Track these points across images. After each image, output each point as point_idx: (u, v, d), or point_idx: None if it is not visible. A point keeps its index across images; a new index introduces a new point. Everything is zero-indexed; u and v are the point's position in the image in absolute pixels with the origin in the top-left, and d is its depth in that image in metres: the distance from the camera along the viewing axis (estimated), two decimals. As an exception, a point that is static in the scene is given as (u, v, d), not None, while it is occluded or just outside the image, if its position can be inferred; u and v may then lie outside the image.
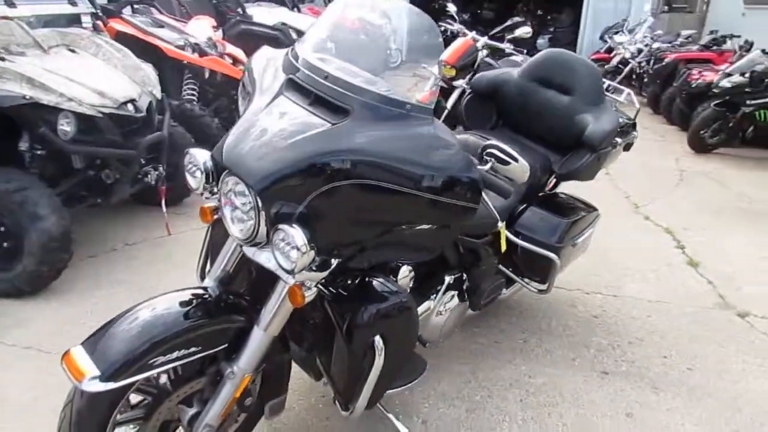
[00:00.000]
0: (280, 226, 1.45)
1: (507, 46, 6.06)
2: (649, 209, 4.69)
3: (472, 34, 6.05)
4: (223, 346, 1.66)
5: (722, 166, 6.11)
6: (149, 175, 3.53)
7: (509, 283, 2.70)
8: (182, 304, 1.67)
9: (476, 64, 5.52)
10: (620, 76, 9.12)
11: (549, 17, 15.55)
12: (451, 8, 6.58)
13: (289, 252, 1.43)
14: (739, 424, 2.33)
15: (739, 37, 8.01)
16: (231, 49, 5.32)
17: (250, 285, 1.89)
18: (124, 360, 1.48)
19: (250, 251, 1.70)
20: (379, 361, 1.73)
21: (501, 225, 2.21)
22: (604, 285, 3.40)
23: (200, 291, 1.76)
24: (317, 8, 9.24)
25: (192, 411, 1.73)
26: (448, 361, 2.62)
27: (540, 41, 14.78)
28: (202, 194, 1.84)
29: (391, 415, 2.16)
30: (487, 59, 5.78)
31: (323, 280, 1.62)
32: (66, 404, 1.60)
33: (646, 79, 9.04)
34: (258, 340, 1.67)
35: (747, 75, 6.11)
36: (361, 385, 1.77)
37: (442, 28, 6.72)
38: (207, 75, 4.88)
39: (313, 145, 1.50)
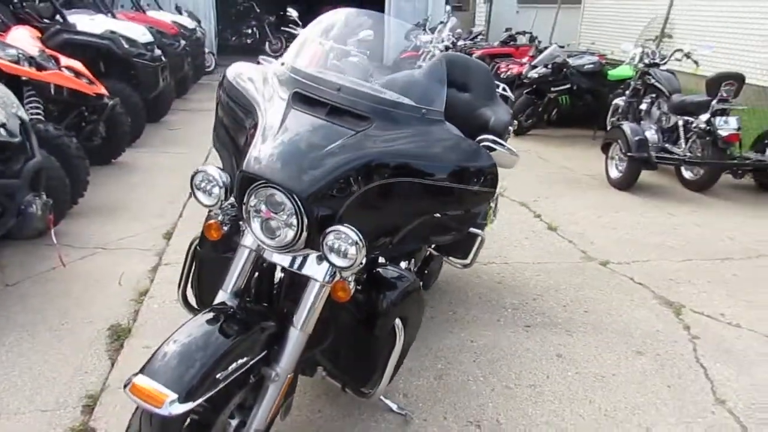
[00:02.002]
0: (334, 227, 1.58)
1: (351, 49, 6.38)
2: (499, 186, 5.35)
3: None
4: (264, 352, 1.73)
5: (539, 145, 7.12)
6: (33, 205, 3.21)
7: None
8: (214, 321, 1.69)
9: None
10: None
11: (353, 18, 16.22)
12: (293, 13, 6.71)
13: (348, 249, 1.57)
14: (637, 345, 2.93)
15: (530, 33, 9.30)
16: (68, 61, 4.90)
17: (258, 291, 1.95)
18: (195, 379, 1.49)
19: (277, 258, 1.78)
20: (399, 342, 1.92)
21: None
22: (494, 255, 3.89)
23: (222, 307, 1.78)
24: (131, 13, 8.70)
25: (235, 422, 1.77)
26: (400, 341, 2.86)
27: (350, 40, 15.41)
28: (210, 211, 1.87)
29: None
30: (335, 61, 6.05)
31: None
32: (130, 437, 1.55)
33: (456, 74, 10.02)
34: (296, 340, 1.76)
35: (549, 66, 7.19)
36: (383, 368, 1.95)
37: (286, 35, 6.85)
38: (53, 91, 4.46)
39: (347, 152, 1.64)
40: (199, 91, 10.08)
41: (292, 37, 13.36)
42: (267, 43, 16.12)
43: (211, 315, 1.72)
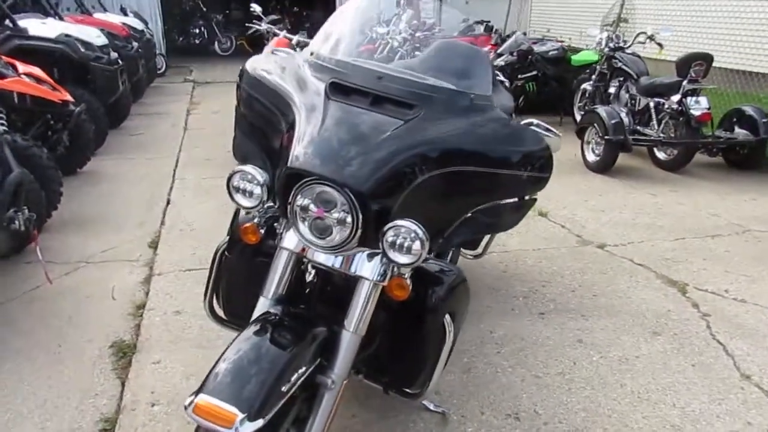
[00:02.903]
0: (393, 222, 1.49)
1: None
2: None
3: (284, 33, 6.15)
4: (319, 359, 1.63)
5: (510, 134, 7.14)
6: (16, 221, 3.00)
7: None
8: (264, 332, 1.58)
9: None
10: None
11: (304, 14, 16.04)
12: (257, 8, 6.53)
13: (411, 245, 1.49)
14: (652, 326, 2.94)
15: (489, 21, 9.32)
16: (27, 67, 4.61)
17: (290, 294, 1.83)
18: (261, 395, 1.39)
19: (322, 258, 1.68)
20: (450, 339, 1.84)
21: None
22: (493, 244, 3.84)
23: (269, 317, 1.67)
24: (79, 16, 8.29)
25: (291, 436, 1.66)
26: (421, 337, 2.78)
27: (299, 37, 15.23)
28: (248, 213, 1.75)
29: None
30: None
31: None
32: (194, 463, 1.43)
33: (417, 66, 9.98)
34: (349, 343, 1.66)
35: (515, 54, 7.23)
36: (432, 367, 1.87)
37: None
38: (16, 100, 4.18)
39: (400, 142, 1.56)
40: (153, 94, 9.72)
41: (242, 34, 13.00)
42: (216, 43, 15.71)
43: (259, 326, 1.61)
